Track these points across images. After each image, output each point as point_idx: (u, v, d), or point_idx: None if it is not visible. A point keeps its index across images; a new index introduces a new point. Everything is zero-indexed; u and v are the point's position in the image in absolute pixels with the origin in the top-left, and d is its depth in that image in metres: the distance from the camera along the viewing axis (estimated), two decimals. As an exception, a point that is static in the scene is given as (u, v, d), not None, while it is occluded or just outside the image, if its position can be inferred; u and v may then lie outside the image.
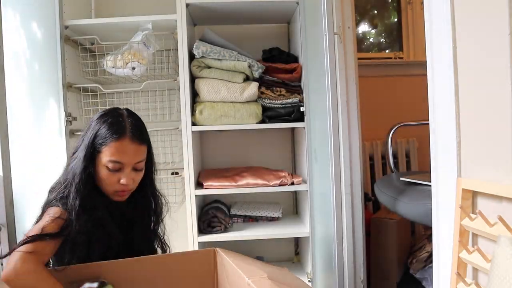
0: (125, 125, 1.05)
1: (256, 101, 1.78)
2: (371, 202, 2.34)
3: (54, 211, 1.00)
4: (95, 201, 1.04)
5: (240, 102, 1.75)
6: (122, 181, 1.04)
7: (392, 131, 1.85)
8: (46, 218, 0.98)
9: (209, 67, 1.76)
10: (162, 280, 1.01)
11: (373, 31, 2.90)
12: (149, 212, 1.19)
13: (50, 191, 1.08)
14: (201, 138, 2.05)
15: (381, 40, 2.93)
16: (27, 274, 0.88)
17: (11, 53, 1.36)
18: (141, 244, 1.16)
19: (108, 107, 1.83)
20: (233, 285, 0.96)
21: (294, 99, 1.77)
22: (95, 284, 0.93)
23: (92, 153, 1.03)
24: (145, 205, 1.17)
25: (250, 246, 2.01)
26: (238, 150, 2.10)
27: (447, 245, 0.79)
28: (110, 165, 1.03)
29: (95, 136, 1.03)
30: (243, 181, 1.75)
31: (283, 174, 1.80)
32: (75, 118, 1.73)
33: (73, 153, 1.08)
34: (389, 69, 2.56)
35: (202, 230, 1.76)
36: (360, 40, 2.85)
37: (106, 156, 1.02)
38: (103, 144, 1.02)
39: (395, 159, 2.38)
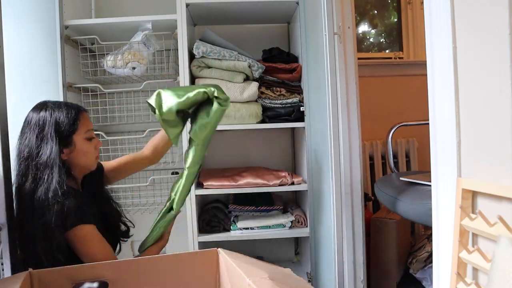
0: (73, 103, 1.18)
1: (256, 101, 1.78)
2: (371, 202, 2.34)
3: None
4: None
5: (240, 102, 1.75)
6: (99, 144, 1.18)
7: (392, 131, 1.86)
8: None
9: (209, 67, 1.76)
10: (163, 280, 1.01)
11: (373, 31, 2.90)
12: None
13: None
14: (201, 138, 2.05)
15: (381, 40, 2.93)
16: None
17: (11, 53, 1.36)
18: (116, 217, 1.26)
19: (108, 106, 1.85)
20: (235, 286, 0.96)
21: (294, 99, 1.77)
22: (95, 284, 0.93)
23: (66, 138, 1.09)
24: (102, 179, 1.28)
25: (250, 246, 2.01)
26: (238, 150, 2.10)
27: (447, 245, 0.79)
28: (89, 135, 1.14)
29: (58, 122, 1.09)
30: (243, 181, 1.75)
31: (283, 174, 1.80)
32: (75, 118, 1.73)
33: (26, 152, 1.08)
34: (389, 69, 2.56)
35: (200, 229, 1.76)
36: (360, 40, 2.84)
37: (84, 129, 1.13)
38: (76, 122, 1.11)
39: (395, 159, 2.38)
